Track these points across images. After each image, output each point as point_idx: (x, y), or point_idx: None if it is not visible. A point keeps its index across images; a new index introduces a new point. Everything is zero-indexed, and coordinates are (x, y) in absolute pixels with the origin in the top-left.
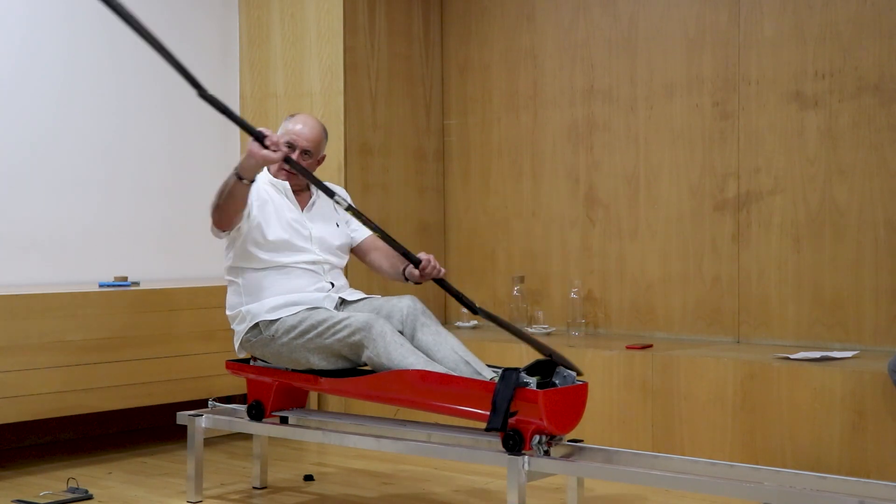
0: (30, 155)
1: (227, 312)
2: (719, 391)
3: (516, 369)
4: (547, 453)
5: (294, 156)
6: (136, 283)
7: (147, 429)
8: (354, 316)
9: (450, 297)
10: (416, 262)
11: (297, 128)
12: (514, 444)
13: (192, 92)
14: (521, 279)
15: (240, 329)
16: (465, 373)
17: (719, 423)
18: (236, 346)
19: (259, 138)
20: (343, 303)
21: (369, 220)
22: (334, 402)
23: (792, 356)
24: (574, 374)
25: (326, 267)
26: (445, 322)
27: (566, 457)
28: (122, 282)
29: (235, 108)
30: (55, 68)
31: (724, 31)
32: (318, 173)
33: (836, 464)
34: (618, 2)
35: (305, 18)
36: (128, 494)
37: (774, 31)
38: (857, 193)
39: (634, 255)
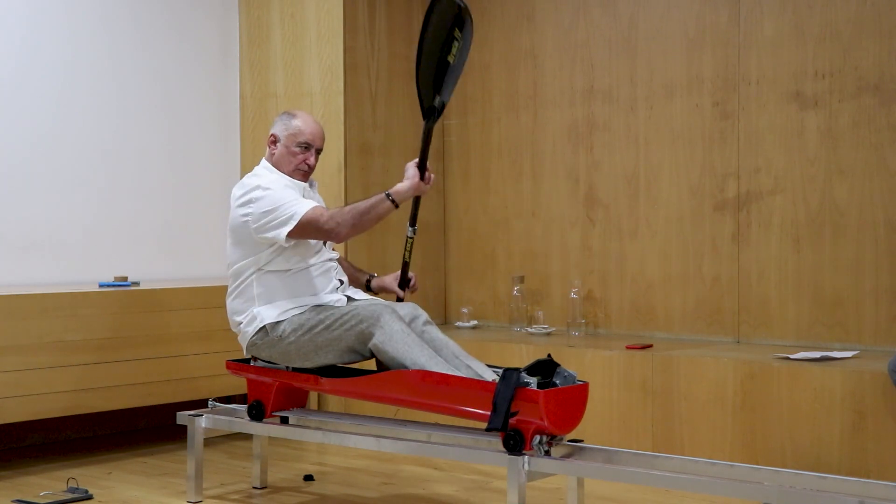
0: (30, 155)
1: (234, 318)
2: (719, 391)
3: (517, 369)
4: (547, 453)
5: (312, 157)
6: (136, 283)
7: (147, 429)
8: (361, 305)
9: (450, 298)
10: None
11: (312, 128)
12: (515, 444)
13: (193, 92)
14: (521, 279)
15: (248, 331)
16: (467, 375)
17: (719, 423)
18: (244, 347)
19: (423, 172)
20: (350, 301)
21: (407, 257)
22: (334, 402)
23: (792, 356)
24: (574, 374)
25: (334, 264)
26: (445, 322)
27: (566, 457)
28: (122, 282)
29: (235, 108)
30: (55, 69)
31: (724, 31)
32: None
33: (836, 464)
34: (618, 2)
35: (305, 18)
36: (128, 494)
37: (774, 31)
38: (857, 193)
39: (634, 255)
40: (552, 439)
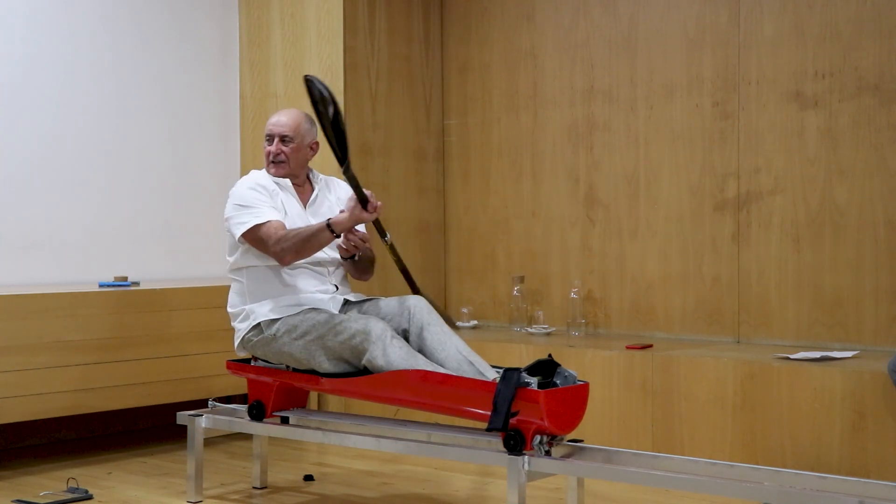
0: (30, 155)
1: (229, 310)
2: (719, 391)
3: (517, 369)
4: (548, 453)
5: (274, 145)
6: (136, 283)
7: (147, 429)
8: (355, 318)
9: (450, 298)
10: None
11: (275, 118)
12: (516, 444)
13: (193, 92)
14: (521, 279)
15: (241, 327)
16: (469, 373)
17: (719, 423)
18: (236, 344)
19: (363, 202)
20: (347, 304)
21: (399, 258)
22: (334, 402)
23: (792, 356)
24: (574, 374)
25: (331, 268)
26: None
27: (566, 457)
28: (122, 282)
29: (235, 108)
30: (55, 69)
31: (724, 31)
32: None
33: (836, 464)
34: (618, 2)
35: (305, 18)
36: (128, 494)
37: (774, 31)
38: (857, 193)
39: (634, 254)
40: (552, 439)
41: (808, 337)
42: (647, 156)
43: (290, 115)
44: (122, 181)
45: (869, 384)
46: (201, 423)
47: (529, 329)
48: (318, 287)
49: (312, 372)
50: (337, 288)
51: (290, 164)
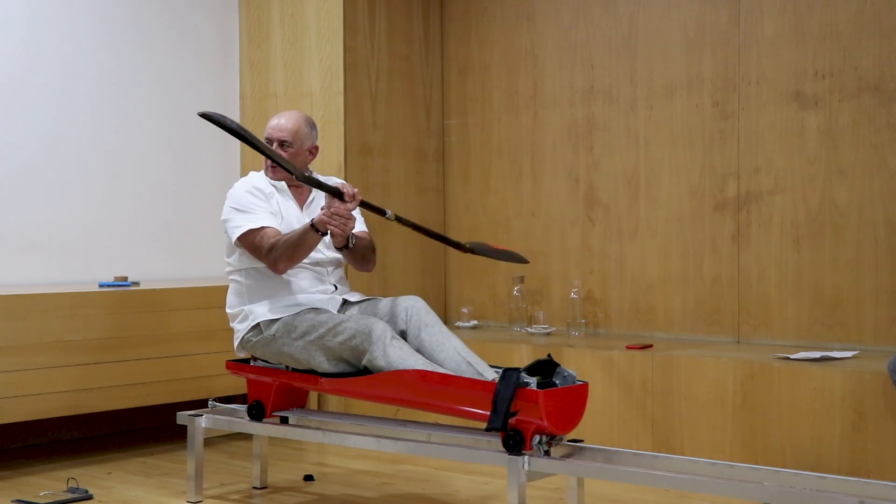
0: (30, 155)
1: (228, 311)
2: (719, 391)
3: (517, 369)
4: (547, 453)
5: (274, 149)
6: (136, 283)
7: (147, 429)
8: (355, 319)
9: (450, 298)
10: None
11: (274, 122)
12: (515, 444)
13: (193, 92)
14: (521, 279)
15: (241, 328)
16: (468, 374)
17: (719, 423)
18: (235, 344)
19: (338, 195)
20: (346, 304)
21: (414, 224)
22: (334, 402)
23: (792, 356)
24: (574, 374)
25: (330, 268)
26: (445, 323)
27: (566, 457)
28: (122, 282)
29: (235, 108)
30: (55, 69)
31: (724, 31)
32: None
33: (836, 464)
34: (618, 2)
35: (305, 18)
36: (128, 494)
37: (774, 31)
38: (857, 193)
39: (634, 255)
40: (552, 439)
41: (808, 337)
42: (647, 156)
43: (291, 119)
44: (122, 181)
45: (869, 384)
46: (201, 423)
47: (529, 329)
48: (317, 287)
49: (312, 372)
50: (336, 288)
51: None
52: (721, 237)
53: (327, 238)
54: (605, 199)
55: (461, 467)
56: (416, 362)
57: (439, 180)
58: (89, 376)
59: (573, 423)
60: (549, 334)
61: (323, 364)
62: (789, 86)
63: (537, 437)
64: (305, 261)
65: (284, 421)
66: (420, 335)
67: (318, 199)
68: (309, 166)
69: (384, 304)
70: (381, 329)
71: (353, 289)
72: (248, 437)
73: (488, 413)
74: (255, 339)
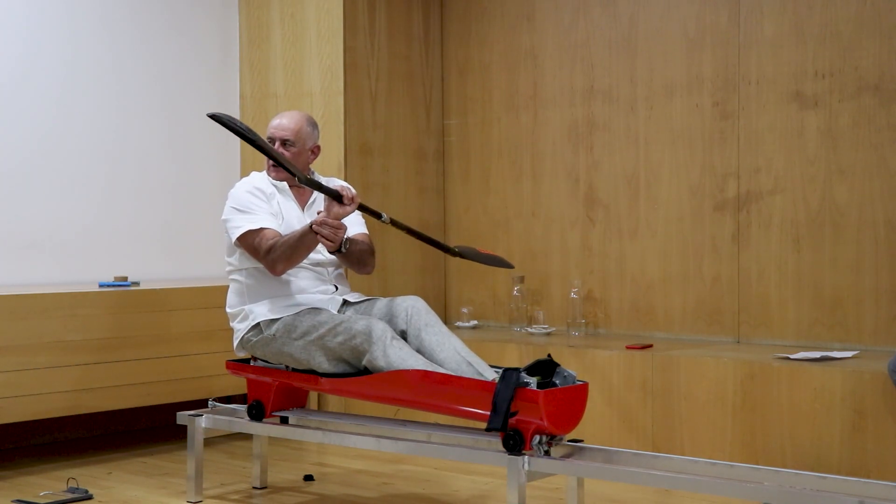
0: (30, 155)
1: (228, 310)
2: (719, 391)
3: (517, 369)
4: (547, 453)
5: (276, 149)
6: (136, 283)
7: (147, 429)
8: (355, 319)
9: (450, 298)
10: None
11: (277, 122)
12: (515, 444)
13: (193, 92)
14: (521, 279)
15: (240, 328)
16: (468, 374)
17: (719, 423)
18: (235, 344)
19: (337, 198)
20: (346, 304)
21: (406, 226)
22: (334, 402)
23: (792, 356)
24: (574, 374)
25: (331, 269)
26: (445, 323)
27: (566, 457)
28: (122, 282)
29: (235, 108)
30: (56, 69)
31: (724, 31)
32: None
33: (836, 464)
34: (618, 2)
35: (305, 18)
36: (128, 494)
37: (774, 31)
38: (857, 193)
39: (634, 254)
40: (552, 439)
41: (808, 337)
42: (647, 156)
43: (293, 118)
44: (122, 181)
45: (869, 384)
46: (201, 423)
47: (529, 329)
48: (317, 287)
49: (312, 372)
50: (336, 288)
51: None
52: (721, 237)
53: None
54: (605, 199)
55: (461, 467)
56: (417, 362)
57: (439, 180)
58: (89, 376)
59: (573, 423)
60: (549, 334)
61: (323, 364)
62: (789, 86)
63: (537, 437)
64: (305, 261)
65: (284, 421)
66: (420, 335)
67: (320, 199)
68: (310, 166)
69: (384, 304)
70: (381, 329)
71: (353, 289)
72: (248, 437)
73: (488, 413)
74: (254, 339)
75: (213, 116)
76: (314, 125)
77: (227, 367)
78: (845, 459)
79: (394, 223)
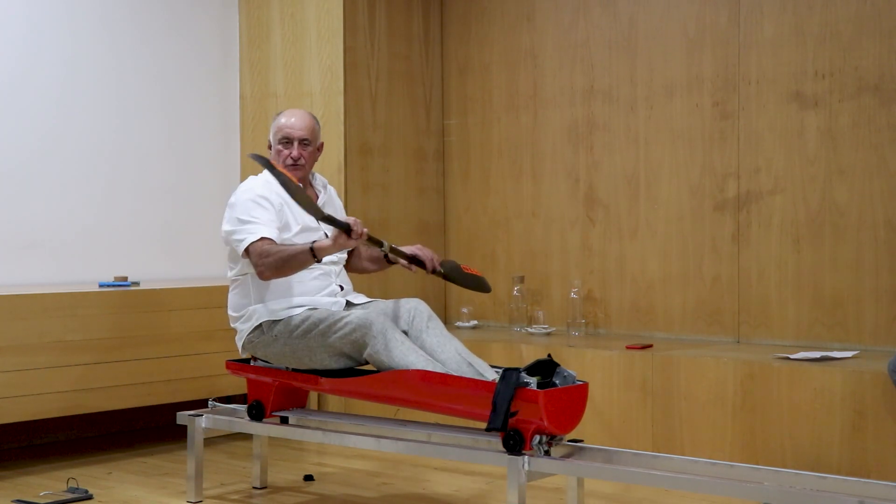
0: (30, 155)
1: (231, 312)
2: (719, 391)
3: (517, 369)
4: (547, 453)
5: (295, 150)
6: (136, 283)
7: (147, 429)
8: (356, 313)
9: (450, 298)
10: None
11: (291, 121)
12: (515, 444)
13: (193, 92)
14: (521, 279)
15: (243, 328)
16: (468, 375)
17: (719, 423)
18: (239, 345)
19: (347, 231)
20: (349, 306)
21: (403, 253)
22: (334, 402)
23: (792, 356)
24: (574, 374)
25: (336, 269)
26: (445, 323)
27: (566, 457)
28: (122, 282)
29: (235, 108)
30: (56, 69)
31: (724, 31)
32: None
33: (836, 464)
34: (618, 2)
35: (305, 18)
36: (128, 494)
37: (774, 31)
38: (857, 193)
39: (634, 254)
40: (552, 439)
41: (808, 337)
42: (647, 156)
43: (305, 117)
44: (122, 181)
45: (869, 384)
46: (201, 423)
47: (529, 329)
48: (324, 289)
49: (314, 371)
50: (342, 288)
51: (306, 167)
52: (721, 237)
53: (329, 233)
54: (605, 199)
55: (461, 467)
56: (418, 358)
57: (439, 180)
58: (89, 376)
59: (573, 423)
60: (549, 334)
61: (324, 360)
62: (789, 86)
63: (537, 437)
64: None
65: (284, 421)
66: (422, 336)
67: (322, 201)
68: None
69: (387, 305)
70: (381, 322)
71: (354, 290)
72: (248, 437)
73: (488, 413)
74: (256, 340)
75: (255, 157)
76: (319, 123)
77: (227, 367)
78: (845, 459)
79: (395, 251)
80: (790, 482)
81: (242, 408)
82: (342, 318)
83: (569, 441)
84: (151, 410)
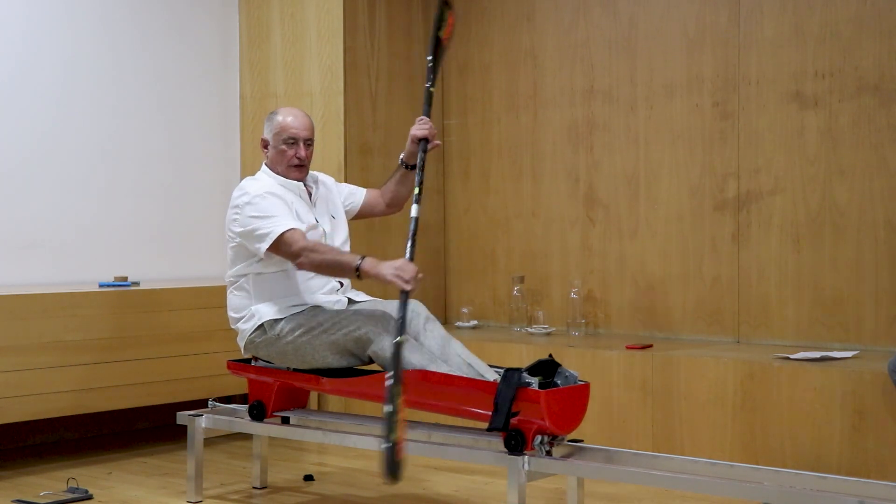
0: (30, 155)
1: (232, 314)
2: (719, 391)
3: (518, 369)
4: (548, 453)
5: (302, 150)
6: (136, 283)
7: (147, 429)
8: (360, 311)
9: (450, 298)
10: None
11: (294, 121)
12: (516, 444)
13: (193, 92)
14: (521, 279)
15: (245, 328)
16: (468, 375)
17: (719, 423)
18: (241, 345)
19: (406, 274)
20: (351, 303)
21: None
22: (334, 402)
23: (792, 356)
24: (575, 374)
25: None
26: (445, 323)
27: (566, 457)
28: (122, 282)
29: (235, 108)
30: (55, 69)
31: (724, 31)
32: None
33: (836, 464)
34: (618, 2)
35: (305, 18)
36: (128, 494)
37: (774, 31)
38: (857, 193)
39: (634, 254)
40: (553, 439)
41: (808, 337)
42: (647, 156)
43: (305, 117)
44: (121, 181)
45: (869, 384)
46: (201, 423)
47: (529, 329)
48: (324, 286)
49: (316, 371)
50: (342, 285)
51: (308, 166)
52: (721, 237)
53: (330, 231)
54: (605, 199)
55: (461, 467)
56: (421, 357)
57: (439, 180)
58: (89, 376)
59: (574, 423)
60: (549, 334)
61: (328, 358)
62: (789, 86)
63: (538, 438)
64: None
65: (285, 421)
66: (420, 338)
67: (322, 197)
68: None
69: (384, 305)
70: (385, 320)
71: (357, 288)
72: (248, 437)
73: (489, 413)
74: (259, 340)
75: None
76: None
77: (229, 367)
78: (845, 459)
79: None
80: (790, 482)
81: (242, 408)
82: (345, 315)
83: (569, 441)
84: (151, 410)
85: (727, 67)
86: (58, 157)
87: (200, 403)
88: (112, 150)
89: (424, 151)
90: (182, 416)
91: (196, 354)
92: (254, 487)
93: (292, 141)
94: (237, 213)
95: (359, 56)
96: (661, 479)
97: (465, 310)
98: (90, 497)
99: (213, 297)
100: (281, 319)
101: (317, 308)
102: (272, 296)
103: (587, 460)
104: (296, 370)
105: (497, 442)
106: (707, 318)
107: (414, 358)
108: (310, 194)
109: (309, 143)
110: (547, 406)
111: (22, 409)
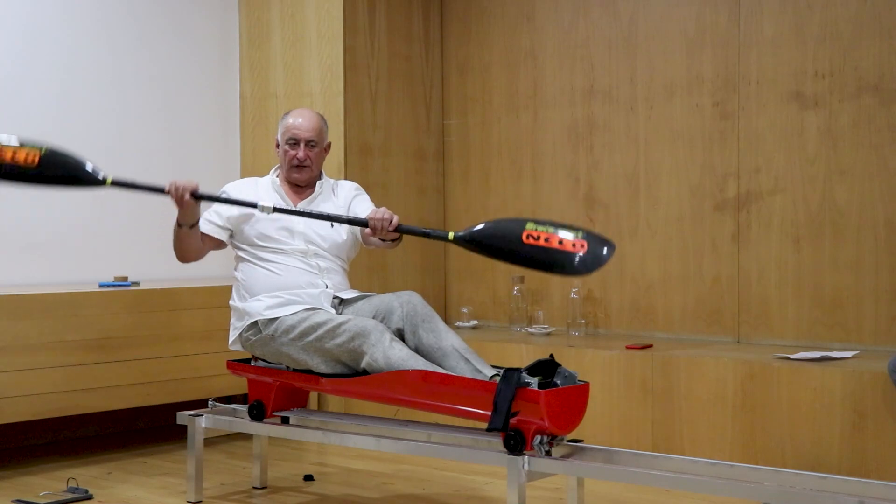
0: None
1: (230, 303)
2: (719, 391)
3: (518, 369)
4: (548, 453)
5: (301, 151)
6: (136, 283)
7: (147, 429)
8: (353, 321)
9: (450, 298)
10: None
11: (298, 122)
12: (516, 444)
13: (193, 92)
14: (521, 279)
15: (238, 325)
16: (466, 370)
17: (719, 423)
18: (230, 340)
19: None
20: (342, 302)
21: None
22: (334, 402)
23: (792, 356)
24: (575, 373)
25: (321, 263)
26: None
27: (566, 457)
28: (122, 282)
29: (235, 108)
30: (55, 69)
31: (724, 31)
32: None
33: (836, 464)
34: (618, 2)
35: (305, 18)
36: (128, 494)
37: (774, 31)
38: (857, 193)
39: (634, 254)
40: (553, 439)
41: (808, 337)
42: (647, 156)
43: (313, 118)
44: None
45: (869, 384)
46: (201, 423)
47: (529, 329)
48: (308, 280)
49: (311, 372)
50: (327, 286)
51: (313, 168)
52: (721, 237)
53: (302, 230)
54: (605, 199)
55: (461, 467)
56: (417, 363)
57: (439, 180)
58: (90, 376)
59: (574, 423)
60: (549, 334)
61: (320, 366)
62: (789, 86)
63: (538, 438)
64: (290, 248)
65: (285, 421)
66: (417, 332)
67: (320, 199)
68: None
69: (379, 300)
70: (379, 331)
71: (354, 288)
72: (248, 437)
73: (489, 413)
74: (253, 338)
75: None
76: (326, 123)
77: (228, 367)
78: (845, 459)
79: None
80: (790, 482)
81: (242, 408)
82: (339, 324)
83: (569, 441)
84: (151, 410)
85: (727, 67)
86: None
87: (200, 403)
88: (112, 149)
89: (386, 240)
90: (182, 416)
91: (196, 354)
92: (254, 487)
93: (294, 142)
94: None
95: (359, 56)
96: (661, 479)
97: (464, 310)
98: (90, 497)
99: (213, 297)
100: (274, 319)
101: (310, 310)
102: (259, 290)
103: (587, 460)
104: (294, 370)
105: (497, 442)
106: (707, 318)
107: (411, 361)
108: (309, 194)
109: (312, 144)
110: (546, 406)
111: (22, 409)
